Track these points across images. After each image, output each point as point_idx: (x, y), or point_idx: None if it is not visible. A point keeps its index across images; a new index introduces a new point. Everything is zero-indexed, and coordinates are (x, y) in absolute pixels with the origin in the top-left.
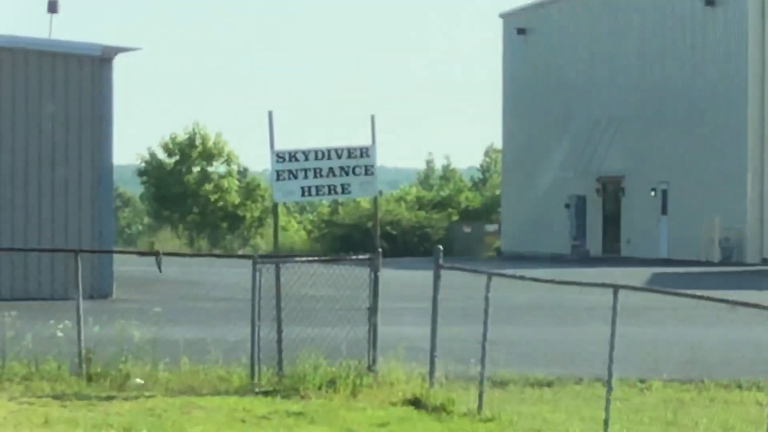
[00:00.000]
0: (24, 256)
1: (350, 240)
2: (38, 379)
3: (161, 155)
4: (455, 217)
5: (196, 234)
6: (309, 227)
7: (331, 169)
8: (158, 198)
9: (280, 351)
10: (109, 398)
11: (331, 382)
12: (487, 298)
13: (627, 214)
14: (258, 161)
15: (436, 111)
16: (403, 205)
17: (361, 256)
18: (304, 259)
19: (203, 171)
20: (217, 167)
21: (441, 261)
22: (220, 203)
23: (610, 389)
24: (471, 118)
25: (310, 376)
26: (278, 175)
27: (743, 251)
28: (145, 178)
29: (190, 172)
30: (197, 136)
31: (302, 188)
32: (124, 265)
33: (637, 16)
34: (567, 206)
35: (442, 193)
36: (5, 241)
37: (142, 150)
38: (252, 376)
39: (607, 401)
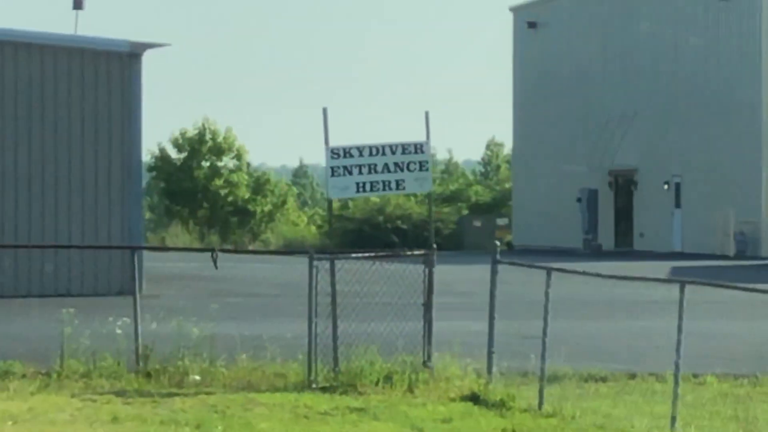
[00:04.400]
0: (54, 253)
1: (361, 235)
2: (97, 376)
3: (171, 151)
4: (465, 212)
5: (207, 229)
6: (319, 222)
7: (385, 165)
8: (168, 193)
9: (335, 347)
10: (170, 395)
11: (388, 378)
12: (546, 294)
13: (640, 207)
14: (266, 156)
15: (438, 104)
16: (413, 199)
17: (416, 252)
18: (359, 255)
19: (213, 166)
20: (227, 162)
21: (498, 257)
22: (230, 198)
23: (677, 384)
24: (470, 111)
25: (366, 372)
26: (333, 171)
27: (758, 244)
28: (154, 174)
29: (200, 167)
30: (207, 131)
31: (357, 184)
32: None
33: (650, 8)
34: (579, 200)
35: (452, 187)
36: (36, 237)
37: (152, 146)
38: (309, 373)
39: (675, 395)
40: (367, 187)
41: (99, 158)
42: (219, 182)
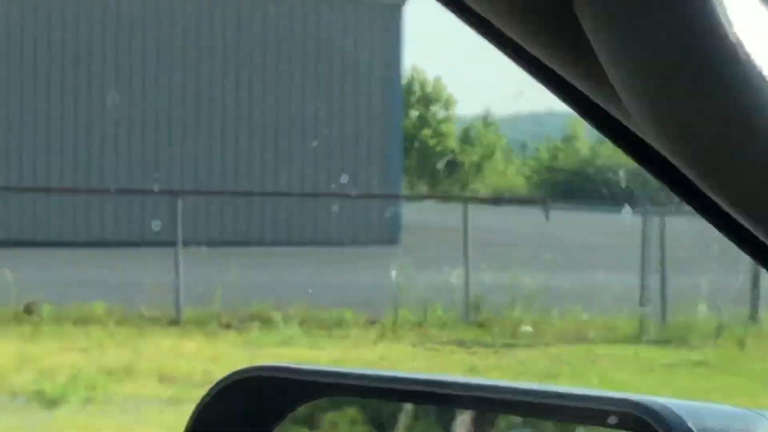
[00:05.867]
0: (301, 201)
1: (570, 186)
2: (428, 326)
3: None
4: None
5: (417, 179)
6: (527, 173)
7: None
8: None
9: (664, 300)
10: (508, 346)
11: (717, 333)
12: None
13: None
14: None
15: None
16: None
17: None
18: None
19: (421, 116)
20: (436, 112)
21: None
22: (439, 148)
23: None
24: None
25: (698, 326)
26: None
27: None
28: None
29: (407, 116)
30: (415, 81)
31: None
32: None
33: None
34: None
35: None
36: (295, 186)
37: None
38: (641, 326)
39: None
40: None
41: (359, 107)
42: (428, 132)
